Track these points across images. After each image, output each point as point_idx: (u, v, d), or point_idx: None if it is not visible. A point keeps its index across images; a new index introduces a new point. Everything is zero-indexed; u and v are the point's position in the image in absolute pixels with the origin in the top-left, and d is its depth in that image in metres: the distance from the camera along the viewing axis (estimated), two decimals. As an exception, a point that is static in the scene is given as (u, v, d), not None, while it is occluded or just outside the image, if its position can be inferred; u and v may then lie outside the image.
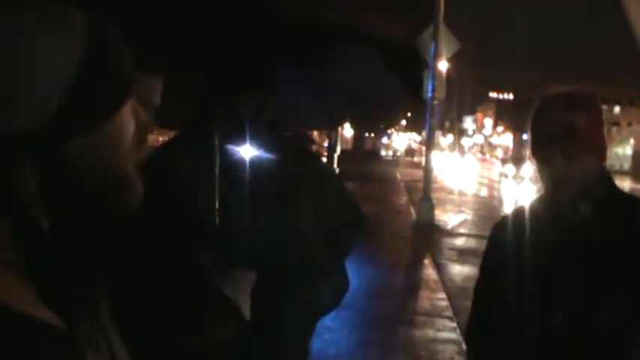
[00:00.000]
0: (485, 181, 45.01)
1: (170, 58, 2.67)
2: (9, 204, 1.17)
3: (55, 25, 1.19)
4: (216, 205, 2.60)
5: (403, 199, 29.19)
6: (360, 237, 3.07)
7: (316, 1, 3.08)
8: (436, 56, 20.08)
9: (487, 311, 2.68)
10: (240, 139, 2.69)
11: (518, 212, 2.75)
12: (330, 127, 23.00)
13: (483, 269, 2.78)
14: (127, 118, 1.30)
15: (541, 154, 2.54)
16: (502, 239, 2.69)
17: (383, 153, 74.32)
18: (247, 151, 2.70)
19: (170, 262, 2.24)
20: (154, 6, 2.55)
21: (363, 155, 51.86)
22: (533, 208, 2.66)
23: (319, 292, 2.88)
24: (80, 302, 1.21)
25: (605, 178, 2.54)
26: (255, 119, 2.73)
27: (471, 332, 2.80)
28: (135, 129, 1.33)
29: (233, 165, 2.68)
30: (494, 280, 2.66)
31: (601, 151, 2.53)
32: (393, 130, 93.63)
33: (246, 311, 2.20)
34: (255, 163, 2.70)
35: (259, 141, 2.72)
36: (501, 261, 2.63)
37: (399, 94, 3.43)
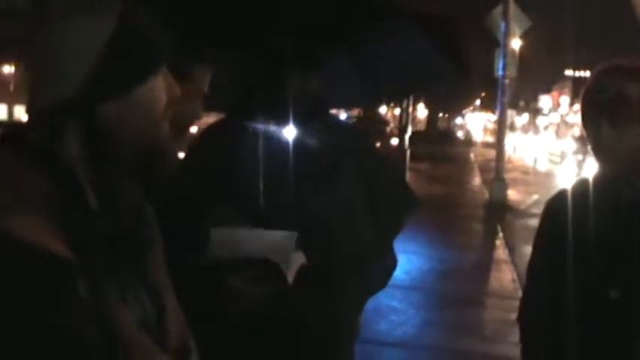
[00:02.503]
0: (558, 159, 44.19)
1: (216, 45, 2.68)
2: (56, 168, 1.32)
3: (92, 6, 1.39)
4: (261, 188, 2.61)
5: (476, 180, 28.92)
6: (411, 217, 3.04)
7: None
8: (507, 34, 19.79)
9: (541, 290, 2.64)
10: (284, 120, 2.69)
11: (573, 189, 2.70)
12: (376, 105, 22.99)
13: (537, 247, 2.73)
14: (159, 90, 1.46)
15: (590, 123, 2.48)
16: (557, 217, 2.63)
17: (458, 133, 73.62)
18: (292, 133, 2.70)
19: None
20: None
21: (436, 136, 51.44)
22: (588, 185, 2.60)
23: (368, 272, 2.87)
24: (100, 248, 1.31)
25: None
26: (300, 100, 2.72)
27: (525, 312, 2.75)
28: (167, 101, 1.48)
29: (278, 147, 2.68)
30: (549, 258, 2.61)
31: None
32: (467, 110, 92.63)
33: (290, 276, 2.21)
34: (300, 144, 2.69)
35: (304, 121, 2.72)
36: (556, 237, 2.57)
37: (456, 73, 3.36)
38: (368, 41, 3.14)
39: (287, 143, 2.69)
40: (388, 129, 36.51)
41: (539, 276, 2.66)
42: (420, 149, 32.24)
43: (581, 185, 2.63)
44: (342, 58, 3.17)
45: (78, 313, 1.21)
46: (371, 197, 2.84)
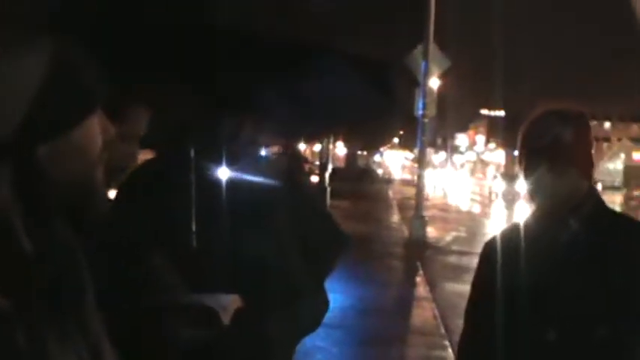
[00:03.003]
0: (477, 197, 45.02)
1: (153, 88, 2.66)
2: None
3: (24, 46, 1.35)
4: (193, 227, 2.58)
5: (395, 217, 29.18)
6: (341, 256, 3.04)
7: (298, 23, 3.06)
8: (427, 74, 20.14)
9: (479, 329, 2.66)
10: (218, 160, 2.67)
11: (510, 230, 2.75)
12: (309, 141, 23.14)
13: (475, 287, 2.77)
14: (94, 131, 1.42)
15: (529, 167, 2.54)
16: (494, 257, 2.68)
17: (377, 171, 74.40)
18: (226, 172, 2.68)
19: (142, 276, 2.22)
20: (134, 39, 2.56)
21: (355, 173, 51.84)
22: (525, 226, 2.66)
23: (300, 313, 2.85)
24: (36, 294, 1.26)
25: (594, 195, 2.55)
26: (234, 139, 2.71)
27: (462, 351, 2.77)
28: (102, 143, 1.45)
29: (211, 186, 2.66)
30: (486, 298, 2.64)
31: (588, 168, 2.54)
32: (385, 148, 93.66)
33: (226, 319, 2.19)
34: (233, 183, 2.67)
35: (238, 161, 2.70)
36: (493, 278, 2.62)
37: (384, 110, 3.40)
38: (300, 79, 3.15)
39: (220, 183, 2.67)
40: (307, 166, 36.69)
41: (476, 317, 2.69)
42: (340, 186, 32.41)
43: (518, 227, 2.69)
44: (274, 96, 3.17)
45: None
46: (302, 236, 2.83)
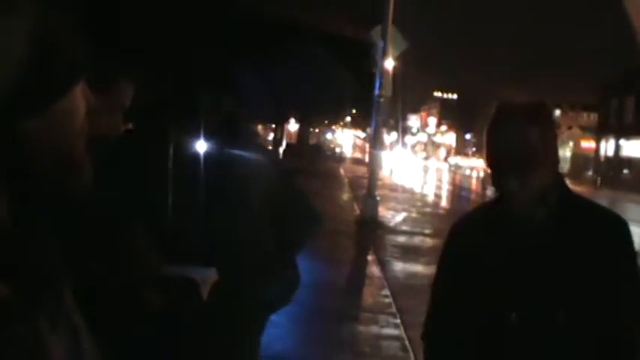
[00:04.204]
0: (428, 178, 45.32)
1: (140, 63, 2.66)
2: None
3: (3, 11, 1.26)
4: (169, 200, 2.59)
5: (347, 196, 29.28)
6: (314, 234, 3.08)
7: (270, 1, 3.08)
8: (384, 55, 20.17)
9: (444, 310, 2.71)
10: (195, 135, 2.69)
11: (476, 213, 2.79)
12: (280, 122, 23.05)
13: (441, 268, 2.81)
14: (78, 100, 1.37)
15: (495, 168, 2.56)
16: (460, 240, 2.72)
17: (327, 148, 74.49)
18: (202, 147, 2.70)
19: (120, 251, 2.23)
20: (125, 13, 2.57)
21: (307, 150, 51.81)
22: (491, 210, 2.70)
23: (272, 289, 2.89)
24: (41, 283, 1.22)
25: (560, 182, 2.59)
26: (211, 115, 2.72)
27: (428, 330, 2.82)
28: (85, 111, 1.39)
29: (187, 160, 2.67)
30: (452, 280, 2.69)
31: (555, 161, 2.57)
32: (337, 126, 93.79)
33: (205, 292, 2.23)
34: (209, 159, 2.69)
35: (214, 137, 2.72)
36: (458, 261, 2.66)
37: (347, 90, 3.45)
38: (273, 62, 3.18)
39: (197, 157, 2.68)
40: (260, 141, 36.55)
41: (442, 297, 2.75)
42: (292, 163, 32.39)
43: (485, 210, 2.74)
44: (253, 76, 3.19)
45: (16, 354, 1.13)
46: (276, 212, 2.86)
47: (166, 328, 2.28)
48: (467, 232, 2.72)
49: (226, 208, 2.68)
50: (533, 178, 2.49)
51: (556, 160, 2.58)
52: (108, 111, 2.15)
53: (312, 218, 3.10)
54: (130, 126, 2.95)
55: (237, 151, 2.75)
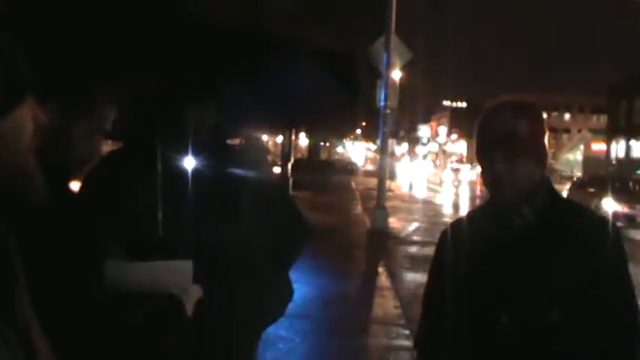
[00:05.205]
0: (438, 188, 45.25)
1: (120, 83, 2.67)
2: None
3: None
4: (159, 217, 2.59)
5: (358, 208, 29.26)
6: (305, 247, 3.08)
7: (260, 15, 3.09)
8: (388, 66, 20.19)
9: (436, 315, 2.72)
10: (183, 150, 2.69)
11: (467, 218, 2.80)
12: (272, 133, 23.04)
13: (432, 274, 2.82)
14: (25, 120, 1.40)
15: (484, 158, 2.58)
16: (450, 245, 2.73)
17: (338, 162, 74.46)
18: (190, 162, 2.70)
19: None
20: (100, 35, 2.57)
21: (317, 164, 51.80)
22: (481, 214, 2.72)
23: (264, 302, 2.89)
24: None
25: (547, 184, 2.60)
26: (198, 130, 2.73)
27: (420, 336, 2.83)
28: (33, 131, 1.42)
29: (176, 176, 2.67)
30: (443, 285, 2.69)
31: (542, 158, 2.58)
32: (348, 139, 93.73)
33: (189, 308, 2.22)
34: (198, 174, 2.70)
35: (202, 152, 2.73)
36: (449, 266, 2.67)
37: (344, 103, 3.44)
38: (262, 70, 3.18)
39: (185, 173, 2.69)
40: (270, 157, 36.62)
41: (433, 303, 2.75)
42: (302, 178, 32.39)
43: (474, 215, 2.75)
44: (241, 88, 3.20)
45: None
46: (267, 226, 2.86)
47: (148, 346, 2.27)
48: (457, 237, 2.72)
49: (216, 223, 2.69)
50: (521, 164, 2.50)
51: (543, 157, 2.59)
52: (88, 135, 2.17)
53: (304, 230, 3.10)
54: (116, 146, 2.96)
55: (224, 165, 2.76)
